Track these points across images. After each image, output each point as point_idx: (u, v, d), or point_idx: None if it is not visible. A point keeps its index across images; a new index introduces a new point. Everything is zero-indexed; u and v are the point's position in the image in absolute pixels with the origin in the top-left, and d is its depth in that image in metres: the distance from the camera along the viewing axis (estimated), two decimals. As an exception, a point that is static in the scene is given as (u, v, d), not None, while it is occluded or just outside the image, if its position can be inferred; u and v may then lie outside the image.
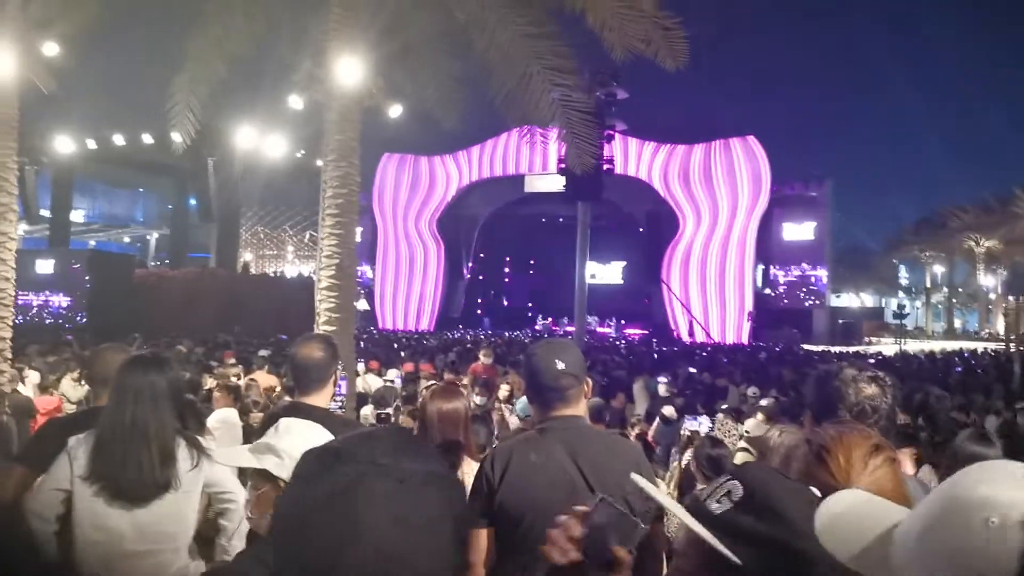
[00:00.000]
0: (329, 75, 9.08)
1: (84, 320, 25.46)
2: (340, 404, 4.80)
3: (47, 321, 25.64)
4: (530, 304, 49.28)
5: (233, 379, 8.03)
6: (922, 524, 0.99)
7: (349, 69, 8.89)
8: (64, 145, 27.18)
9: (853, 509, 1.10)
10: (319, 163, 10.15)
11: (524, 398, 6.82)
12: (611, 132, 23.48)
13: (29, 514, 2.59)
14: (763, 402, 8.30)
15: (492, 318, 47.42)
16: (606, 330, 40.42)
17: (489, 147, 41.32)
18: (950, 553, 0.94)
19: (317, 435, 2.01)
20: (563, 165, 16.56)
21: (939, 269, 64.40)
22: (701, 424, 7.11)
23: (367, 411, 7.20)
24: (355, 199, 9.37)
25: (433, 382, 7.29)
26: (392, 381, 10.18)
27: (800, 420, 2.81)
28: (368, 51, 9.27)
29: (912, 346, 36.56)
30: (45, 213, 34.43)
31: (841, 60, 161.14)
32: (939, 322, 63.97)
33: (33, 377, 10.13)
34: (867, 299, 63.98)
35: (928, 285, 64.60)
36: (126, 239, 63.82)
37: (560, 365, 2.56)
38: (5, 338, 7.78)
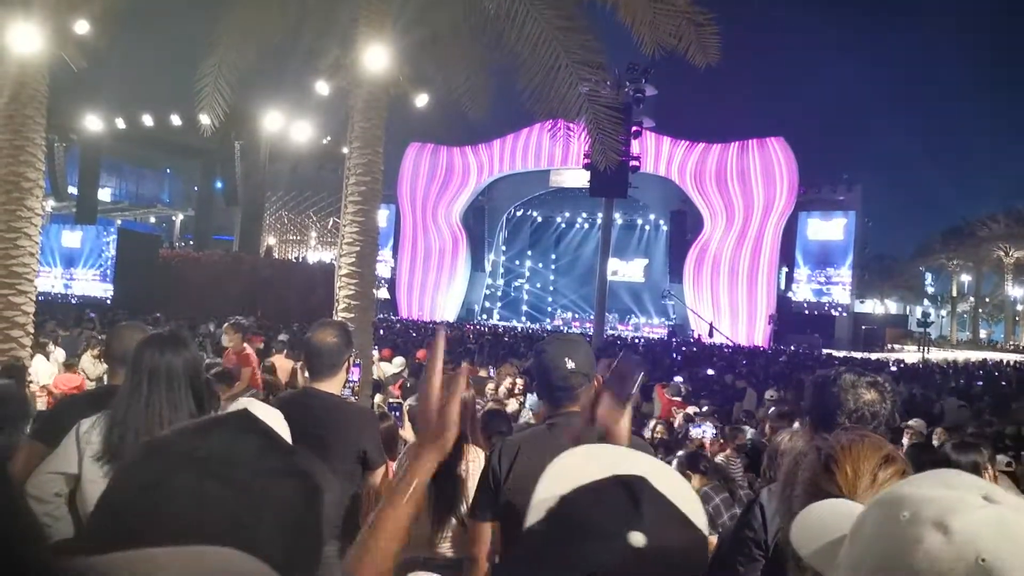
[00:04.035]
0: (356, 62, 9.08)
1: (110, 299, 25.74)
2: (352, 390, 4.80)
3: (72, 301, 25.89)
4: (550, 299, 49.30)
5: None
6: (857, 521, 1.01)
7: (376, 56, 8.88)
8: (93, 123, 27.43)
9: (826, 508, 1.13)
10: (344, 150, 10.16)
11: (536, 395, 6.80)
12: (638, 129, 23.38)
13: (27, 496, 2.59)
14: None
15: (512, 311, 47.45)
16: (625, 328, 40.32)
17: (515, 140, 41.23)
18: (867, 545, 0.96)
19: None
20: (588, 160, 16.49)
21: (966, 278, 63.61)
22: (706, 431, 7.11)
23: (379, 399, 7.21)
24: (378, 187, 9.37)
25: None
26: (401, 370, 10.22)
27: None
28: (396, 39, 9.26)
29: (935, 355, 36.15)
30: (72, 190, 34.81)
31: (875, 65, 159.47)
32: (964, 332, 63.17)
33: (59, 354, 10.25)
34: (892, 306, 63.29)
35: (954, 294, 63.81)
36: (152, 219, 64.39)
37: (570, 364, 2.54)
38: (28, 313, 7.86)
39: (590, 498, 0.95)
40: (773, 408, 7.71)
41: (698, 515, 0.99)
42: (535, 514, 0.99)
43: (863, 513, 1.00)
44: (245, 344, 8.60)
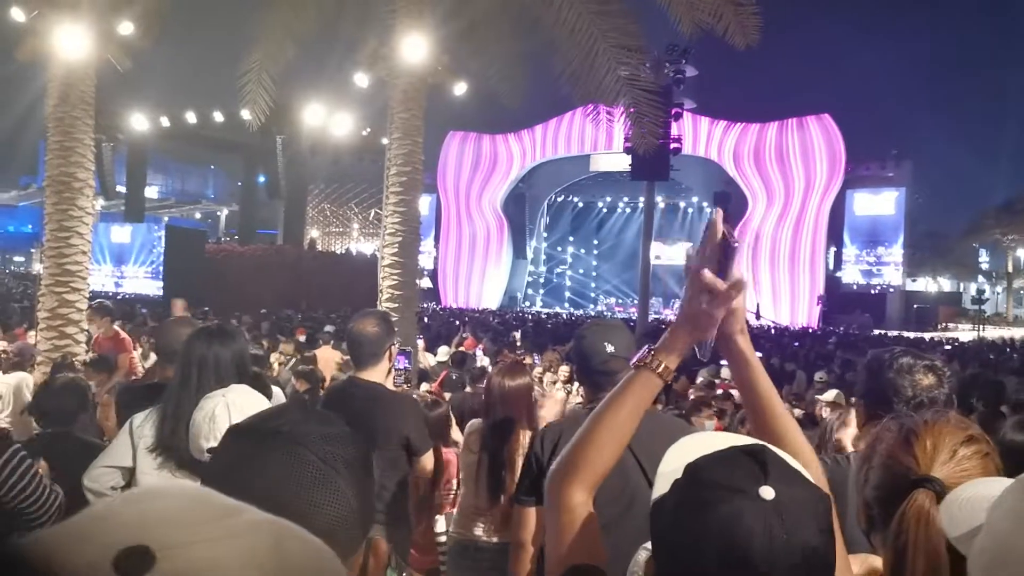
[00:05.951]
0: (394, 53, 9.12)
1: (161, 293, 26.24)
2: (404, 379, 4.81)
3: (120, 296, 26.42)
4: (593, 284, 49.12)
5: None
6: (999, 497, 1.01)
7: (414, 47, 8.91)
8: (139, 123, 27.91)
9: (977, 489, 1.13)
10: (384, 141, 10.21)
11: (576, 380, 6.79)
12: (679, 111, 23.09)
13: (84, 488, 2.67)
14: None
15: (555, 298, 47.38)
16: (670, 312, 40.01)
17: (556, 125, 40.98)
18: (998, 521, 0.96)
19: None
20: (629, 144, 16.38)
21: (1022, 253, 61.86)
22: None
23: (424, 388, 7.27)
24: (419, 177, 9.41)
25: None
26: (446, 359, 10.25)
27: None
28: (434, 28, 9.28)
29: (991, 333, 35.29)
30: (121, 189, 35.51)
31: (923, 38, 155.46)
32: (1021, 308, 61.50)
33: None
34: (944, 284, 61.85)
35: (1010, 270, 62.09)
36: (197, 215, 65.57)
37: (610, 348, 2.54)
38: (82, 310, 8.04)
39: (717, 462, 1.00)
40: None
41: (814, 479, 1.04)
42: (660, 486, 1.05)
43: (1007, 490, 0.99)
44: (116, 327, 7.96)
